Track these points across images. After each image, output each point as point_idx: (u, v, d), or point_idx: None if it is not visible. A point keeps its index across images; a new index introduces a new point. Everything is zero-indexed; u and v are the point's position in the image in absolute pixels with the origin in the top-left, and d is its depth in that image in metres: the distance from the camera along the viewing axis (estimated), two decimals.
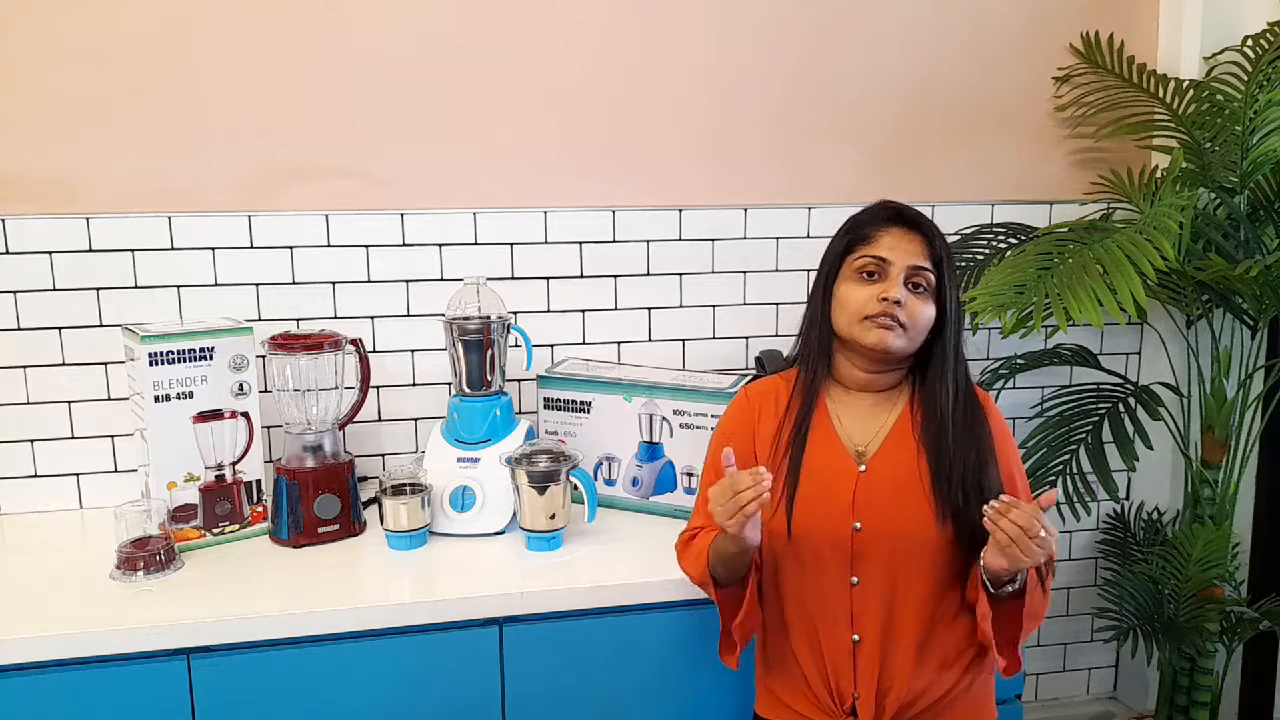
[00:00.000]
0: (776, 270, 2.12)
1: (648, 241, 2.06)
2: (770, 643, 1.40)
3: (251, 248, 1.91)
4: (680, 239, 2.08)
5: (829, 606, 1.32)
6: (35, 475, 1.88)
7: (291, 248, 1.92)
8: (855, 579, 1.30)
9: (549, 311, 2.04)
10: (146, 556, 1.55)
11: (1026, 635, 1.31)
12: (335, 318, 1.95)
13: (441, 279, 1.98)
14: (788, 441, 1.33)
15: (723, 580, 1.32)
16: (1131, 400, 2.08)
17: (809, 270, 1.38)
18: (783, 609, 1.36)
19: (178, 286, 1.89)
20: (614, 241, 2.05)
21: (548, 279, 2.03)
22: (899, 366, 1.34)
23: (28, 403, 1.86)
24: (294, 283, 1.93)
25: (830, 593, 1.32)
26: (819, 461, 1.32)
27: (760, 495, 1.16)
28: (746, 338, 2.14)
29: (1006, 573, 1.21)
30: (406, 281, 1.97)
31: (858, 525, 1.29)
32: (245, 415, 1.71)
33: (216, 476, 1.69)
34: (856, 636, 1.31)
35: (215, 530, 1.70)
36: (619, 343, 2.09)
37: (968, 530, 1.27)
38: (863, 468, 1.32)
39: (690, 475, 1.80)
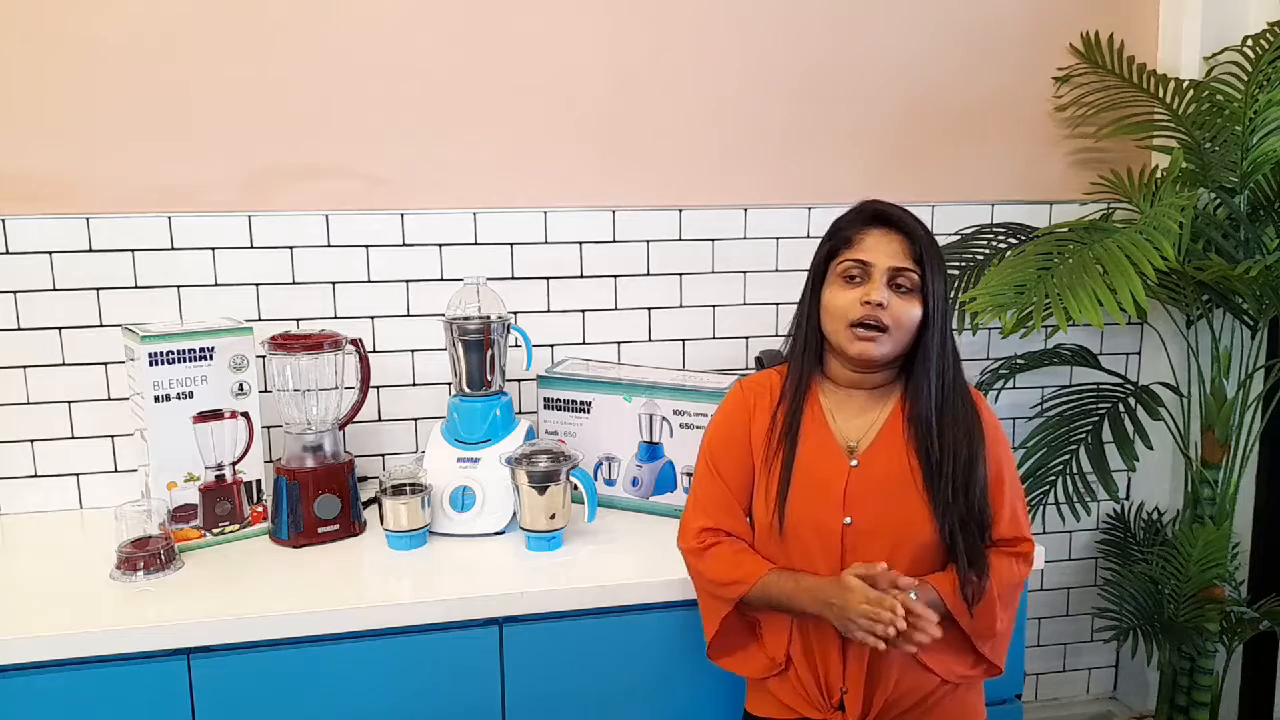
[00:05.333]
0: (776, 270, 2.12)
1: (648, 241, 2.06)
2: None
3: (251, 248, 1.91)
4: (680, 239, 2.08)
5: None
6: (35, 475, 1.88)
7: (291, 248, 1.92)
8: None
9: (549, 311, 2.04)
10: (146, 556, 1.55)
11: (994, 650, 1.34)
12: (335, 318, 1.95)
13: (441, 279, 1.98)
14: (780, 437, 1.34)
15: (756, 607, 1.36)
16: (1131, 400, 2.08)
17: (809, 270, 1.38)
18: None
19: (178, 286, 1.89)
20: (614, 241, 2.05)
21: (548, 279, 2.03)
22: (889, 365, 1.34)
23: (28, 403, 1.86)
24: (294, 283, 1.93)
25: None
26: (811, 457, 1.33)
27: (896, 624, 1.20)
28: (746, 338, 2.14)
29: None
30: (406, 281, 1.97)
31: (848, 520, 1.31)
32: (245, 415, 1.71)
33: (216, 476, 1.69)
34: None
35: (215, 530, 1.70)
36: (619, 343, 2.09)
37: (951, 526, 1.28)
38: (854, 463, 1.32)
39: (690, 475, 1.80)
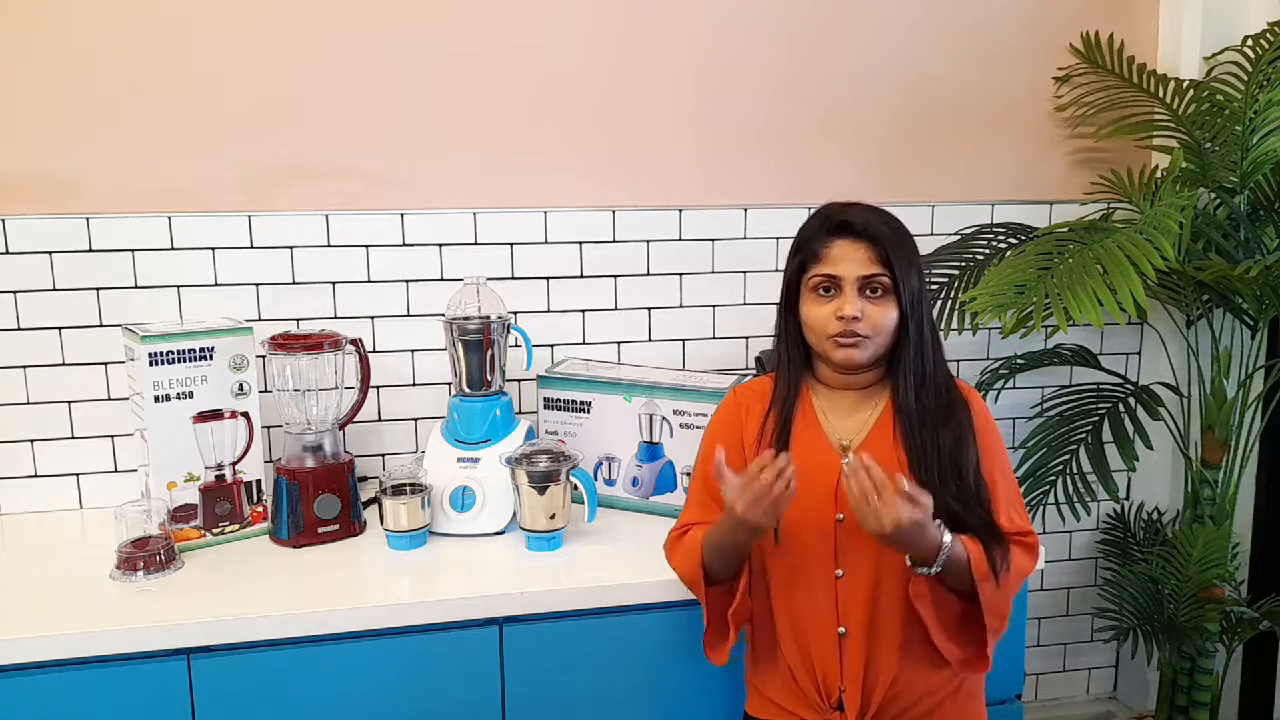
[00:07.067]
0: (776, 270, 2.11)
1: (648, 241, 2.06)
2: (757, 639, 1.41)
3: (251, 248, 1.91)
4: (680, 239, 2.08)
5: (814, 600, 1.33)
6: (35, 475, 1.88)
7: (291, 248, 1.92)
8: (840, 572, 1.32)
9: (549, 311, 2.04)
10: (146, 556, 1.55)
11: (992, 631, 1.32)
12: (335, 318, 1.95)
13: (441, 279, 1.98)
14: (770, 441, 1.35)
15: (717, 575, 1.35)
16: (1131, 400, 2.09)
17: (783, 284, 1.39)
18: (769, 604, 1.37)
19: (178, 286, 1.89)
20: (614, 241, 2.05)
21: (548, 279, 2.03)
22: (875, 366, 1.35)
23: (28, 403, 1.86)
24: (294, 283, 1.93)
25: (815, 586, 1.33)
26: (803, 456, 1.33)
27: (788, 481, 1.20)
28: (746, 338, 2.14)
29: (912, 550, 1.24)
30: (406, 281, 1.97)
31: (840, 517, 1.31)
32: (245, 415, 1.71)
33: (216, 476, 1.69)
34: (842, 629, 1.32)
35: (215, 530, 1.70)
36: (619, 343, 2.09)
37: (948, 505, 1.28)
38: (846, 459, 1.33)
39: (690, 475, 1.80)
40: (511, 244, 2.00)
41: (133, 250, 1.86)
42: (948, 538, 1.24)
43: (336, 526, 1.71)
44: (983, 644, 1.33)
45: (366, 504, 1.82)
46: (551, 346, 2.05)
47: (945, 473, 1.29)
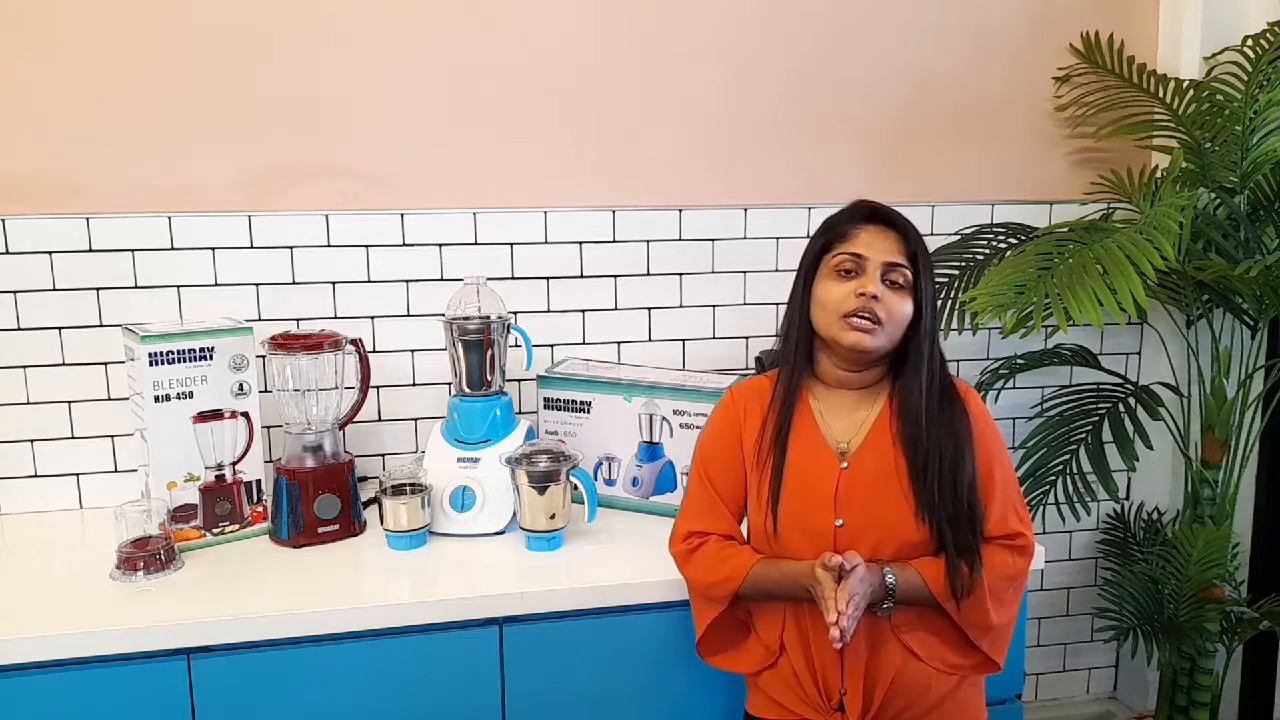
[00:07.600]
0: (776, 270, 2.12)
1: (648, 241, 2.06)
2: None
3: (251, 248, 1.91)
4: (680, 239, 2.08)
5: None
6: (35, 475, 1.88)
7: (291, 248, 1.92)
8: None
9: (549, 311, 2.04)
10: (146, 556, 1.55)
11: (990, 644, 1.34)
12: (335, 318, 1.95)
13: (441, 279, 1.98)
14: (770, 441, 1.35)
15: (751, 599, 1.37)
16: (1131, 400, 2.09)
17: (800, 266, 1.39)
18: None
19: (178, 286, 1.89)
20: (614, 241, 2.05)
21: (548, 279, 2.03)
22: (878, 363, 1.35)
23: (28, 403, 1.86)
24: (294, 283, 1.93)
25: None
26: (801, 459, 1.33)
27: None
28: (746, 338, 2.14)
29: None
30: (406, 281, 1.98)
31: (839, 522, 1.31)
32: (245, 415, 1.71)
33: (216, 476, 1.69)
34: None
35: (215, 530, 1.70)
36: (619, 343, 2.09)
37: (939, 523, 1.29)
38: (844, 464, 1.33)
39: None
40: (511, 244, 2.00)
41: (132, 250, 1.86)
42: (890, 578, 1.27)
43: (336, 526, 1.71)
44: (991, 650, 1.34)
45: (366, 504, 1.82)
46: (551, 346, 2.05)
47: (944, 486, 1.29)
